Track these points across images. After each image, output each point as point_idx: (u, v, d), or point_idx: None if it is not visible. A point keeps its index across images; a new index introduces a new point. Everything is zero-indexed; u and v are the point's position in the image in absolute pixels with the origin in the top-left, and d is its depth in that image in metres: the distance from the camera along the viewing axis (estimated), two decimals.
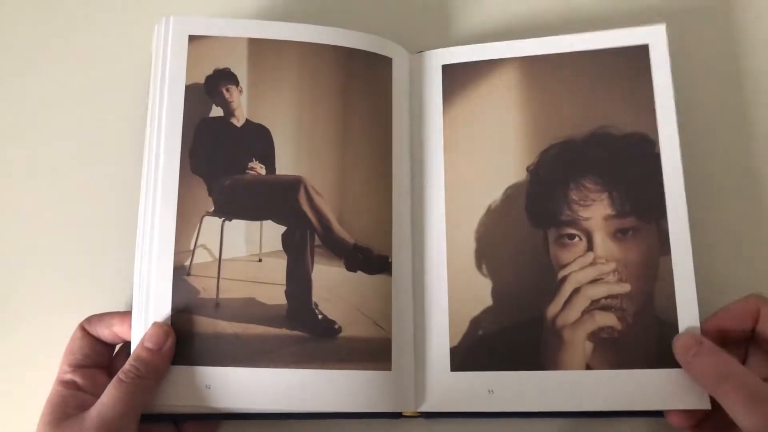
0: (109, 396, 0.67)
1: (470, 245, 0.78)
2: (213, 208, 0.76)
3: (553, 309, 0.75)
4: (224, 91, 0.78)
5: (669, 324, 0.72)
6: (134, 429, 0.67)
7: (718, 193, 0.83)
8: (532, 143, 0.79)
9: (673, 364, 0.71)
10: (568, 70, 0.80)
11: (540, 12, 0.91)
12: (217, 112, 0.78)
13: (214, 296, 0.74)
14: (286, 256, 0.76)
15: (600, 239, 0.75)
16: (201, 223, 0.75)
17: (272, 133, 0.78)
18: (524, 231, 0.77)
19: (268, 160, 0.78)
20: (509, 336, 0.75)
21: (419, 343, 0.76)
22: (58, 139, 0.89)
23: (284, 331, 0.73)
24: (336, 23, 0.82)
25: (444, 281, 0.77)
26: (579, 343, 0.73)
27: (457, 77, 0.82)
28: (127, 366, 0.69)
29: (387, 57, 0.81)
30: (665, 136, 0.76)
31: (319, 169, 0.78)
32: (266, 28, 0.80)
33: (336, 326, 0.74)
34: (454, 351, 0.76)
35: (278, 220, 0.76)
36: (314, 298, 0.75)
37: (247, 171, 0.77)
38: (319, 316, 0.74)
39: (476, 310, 0.76)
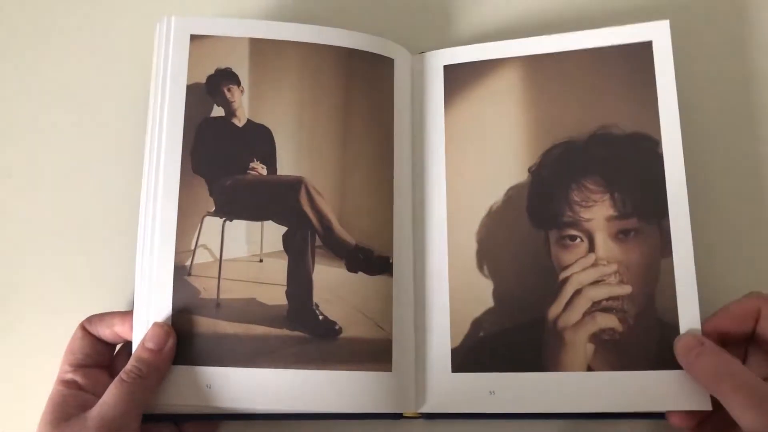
0: (111, 396, 0.67)
1: (471, 246, 0.78)
2: (214, 208, 0.76)
3: (554, 310, 0.75)
4: (226, 91, 0.78)
5: (670, 325, 0.72)
6: (136, 429, 0.67)
7: (720, 194, 0.83)
8: (533, 144, 0.79)
9: (674, 365, 0.71)
10: (570, 68, 0.80)
11: (541, 10, 0.91)
12: (218, 111, 0.78)
13: (215, 296, 0.74)
14: (287, 257, 0.76)
15: (601, 240, 0.75)
16: (202, 223, 0.75)
17: (273, 134, 0.78)
18: (526, 232, 0.77)
19: (270, 161, 0.78)
20: (510, 337, 0.75)
21: (420, 344, 0.76)
22: (58, 139, 0.89)
23: (285, 332, 0.73)
24: (338, 24, 0.82)
25: (445, 282, 0.77)
26: (580, 345, 0.73)
27: (458, 77, 0.82)
28: (128, 366, 0.69)
29: (388, 58, 0.81)
30: (668, 136, 0.76)
31: (321, 169, 0.78)
32: (268, 29, 0.80)
33: (337, 327, 0.74)
34: (455, 352, 0.75)
35: (279, 221, 0.76)
36: (315, 299, 0.75)
37: (249, 171, 0.77)
38: (320, 317, 0.74)
39: (477, 311, 0.76)
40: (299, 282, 0.75)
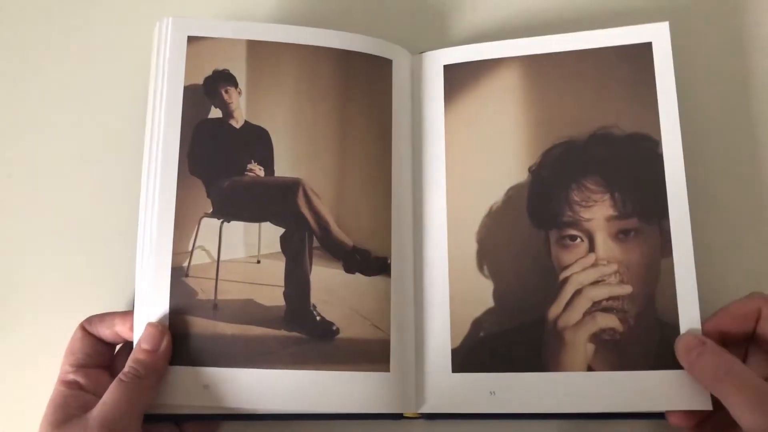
0: (111, 396, 0.67)
1: (471, 246, 0.78)
2: (211, 210, 0.76)
3: (554, 310, 0.74)
4: (223, 92, 0.78)
5: (670, 325, 0.72)
6: (137, 429, 0.67)
7: (720, 194, 0.83)
8: (533, 143, 0.79)
9: (675, 365, 0.71)
10: (570, 68, 0.80)
11: (542, 10, 0.91)
12: (215, 113, 0.78)
13: (213, 297, 0.74)
14: (284, 258, 0.76)
15: (602, 240, 0.75)
16: (199, 224, 0.75)
17: (271, 135, 0.78)
18: (526, 232, 0.77)
19: (267, 162, 0.78)
20: (510, 337, 0.75)
21: (420, 344, 0.76)
22: (58, 139, 0.89)
23: (282, 333, 0.73)
24: (339, 25, 0.82)
25: (445, 282, 0.77)
26: (580, 345, 0.73)
27: (458, 77, 0.82)
28: (126, 367, 0.69)
29: (386, 59, 0.81)
30: (668, 136, 0.76)
31: (318, 171, 0.78)
32: (265, 30, 0.80)
33: (334, 328, 0.74)
34: (455, 352, 0.75)
35: (277, 222, 0.76)
36: (312, 300, 0.75)
37: (246, 173, 0.77)
38: (318, 318, 0.74)
39: (477, 311, 0.76)
40: (297, 283, 0.75)
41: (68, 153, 0.88)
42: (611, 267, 0.74)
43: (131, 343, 0.72)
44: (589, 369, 0.73)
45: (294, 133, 0.79)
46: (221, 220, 0.76)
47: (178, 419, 0.75)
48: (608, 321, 0.73)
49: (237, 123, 0.78)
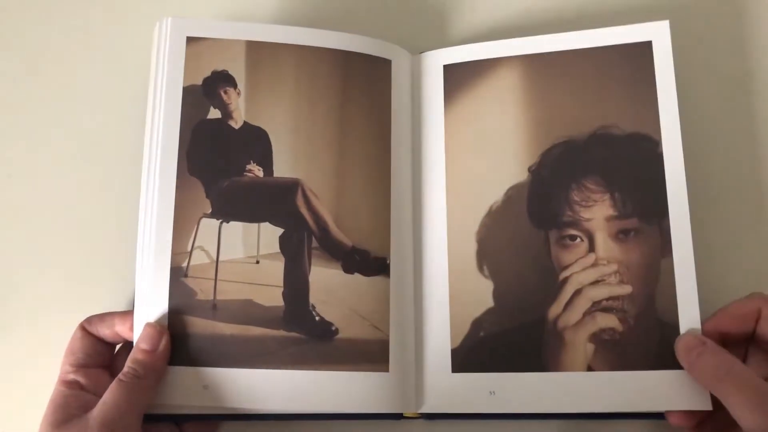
0: (111, 396, 0.67)
1: (471, 246, 0.78)
2: (210, 210, 0.76)
3: (554, 310, 0.74)
4: (222, 93, 0.78)
5: (670, 325, 0.72)
6: (137, 429, 0.68)
7: (720, 194, 0.82)
8: (533, 143, 0.78)
9: (675, 365, 0.71)
10: (570, 68, 0.80)
11: (541, 9, 0.91)
12: (214, 114, 0.78)
13: (212, 298, 0.74)
14: (283, 258, 0.76)
15: (602, 240, 0.75)
16: (198, 224, 0.75)
17: (270, 136, 0.78)
18: (526, 232, 0.77)
19: (266, 162, 0.78)
20: (510, 337, 0.75)
21: (420, 344, 0.76)
22: (58, 139, 0.89)
23: (282, 333, 0.73)
24: (339, 25, 0.82)
25: (445, 282, 0.77)
26: (580, 345, 0.73)
27: (458, 77, 0.82)
28: (125, 368, 0.69)
29: (386, 59, 0.81)
30: (668, 136, 0.76)
31: (317, 171, 0.78)
32: (264, 31, 0.80)
33: (333, 328, 0.74)
34: (455, 352, 0.75)
35: (276, 222, 0.76)
36: (311, 300, 0.75)
37: (245, 173, 0.77)
38: (317, 318, 0.74)
39: (477, 311, 0.76)
40: (296, 283, 0.75)
41: (68, 153, 0.88)
42: (611, 267, 0.74)
43: (131, 342, 0.72)
44: (589, 369, 0.73)
45: (293, 134, 0.79)
46: (220, 220, 0.76)
47: (178, 419, 0.75)
48: (608, 321, 0.73)
49: (236, 123, 0.78)
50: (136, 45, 0.90)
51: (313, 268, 0.76)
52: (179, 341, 0.72)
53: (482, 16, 0.91)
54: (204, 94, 0.78)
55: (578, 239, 0.75)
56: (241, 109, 0.79)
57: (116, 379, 0.68)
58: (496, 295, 0.76)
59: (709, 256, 0.79)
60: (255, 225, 0.76)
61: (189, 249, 0.74)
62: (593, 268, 0.75)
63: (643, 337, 0.73)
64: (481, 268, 0.77)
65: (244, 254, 0.76)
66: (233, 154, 0.78)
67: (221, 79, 0.78)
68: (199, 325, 0.73)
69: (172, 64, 0.78)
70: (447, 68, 0.82)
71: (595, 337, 0.73)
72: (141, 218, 0.75)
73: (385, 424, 0.78)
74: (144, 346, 0.70)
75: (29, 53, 0.92)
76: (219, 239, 0.75)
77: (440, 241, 0.78)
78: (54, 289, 0.84)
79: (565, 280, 0.75)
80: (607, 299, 0.74)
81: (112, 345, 0.76)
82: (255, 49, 0.79)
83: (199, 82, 0.78)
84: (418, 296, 0.78)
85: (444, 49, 0.83)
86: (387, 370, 0.74)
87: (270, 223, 0.76)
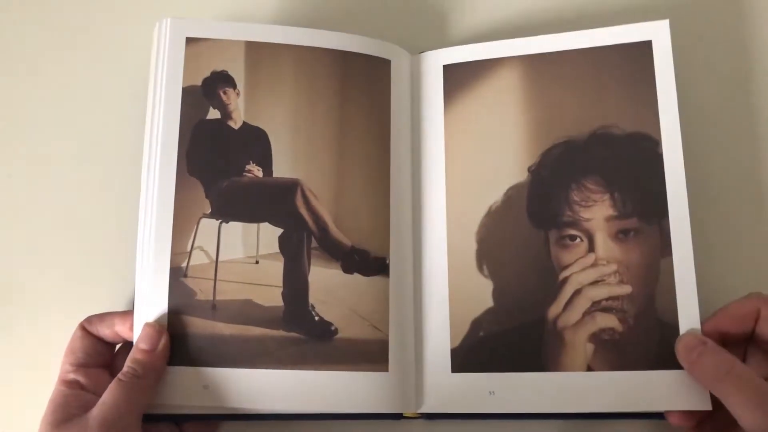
0: (110, 396, 0.67)
1: (471, 246, 0.78)
2: (210, 210, 0.76)
3: (554, 310, 0.74)
4: (221, 93, 0.78)
5: (670, 325, 0.72)
6: (137, 429, 0.68)
7: (720, 194, 0.82)
8: (533, 143, 0.78)
9: (674, 365, 0.71)
10: (570, 67, 0.80)
11: (541, 9, 0.90)
12: (214, 114, 0.78)
13: (211, 298, 0.74)
14: (282, 258, 0.76)
15: (601, 240, 0.75)
16: (198, 224, 0.75)
17: (269, 136, 0.78)
18: (525, 232, 0.77)
19: (265, 163, 0.78)
20: (510, 337, 0.75)
21: (419, 344, 0.76)
22: (58, 139, 0.89)
23: (281, 333, 0.73)
24: (337, 26, 0.82)
25: (445, 282, 0.77)
26: (580, 345, 0.73)
27: (458, 77, 0.82)
28: (125, 367, 0.69)
29: (385, 59, 0.81)
30: (668, 135, 0.76)
31: (316, 171, 0.78)
32: (264, 32, 0.80)
33: (332, 328, 0.74)
34: (454, 352, 0.75)
35: (275, 223, 0.76)
36: (311, 300, 0.75)
37: (244, 173, 0.77)
38: (316, 318, 0.74)
39: (477, 311, 0.76)
40: (295, 283, 0.75)
41: (68, 153, 0.88)
42: (611, 267, 0.74)
43: (131, 342, 0.72)
44: (589, 369, 0.73)
45: (292, 134, 0.79)
46: (220, 220, 0.76)
47: (178, 419, 0.75)
48: (608, 321, 0.73)
49: (235, 124, 0.78)
50: (135, 45, 0.90)
51: (312, 268, 0.76)
52: (179, 341, 0.72)
53: (482, 16, 0.91)
54: (203, 94, 0.78)
55: (578, 239, 0.75)
56: (240, 110, 0.79)
57: (115, 378, 0.68)
58: (496, 294, 0.76)
59: (709, 256, 0.79)
60: (254, 225, 0.76)
61: (188, 249, 0.74)
62: (593, 268, 0.74)
63: (643, 337, 0.73)
64: (480, 268, 0.77)
65: (244, 254, 0.76)
66: (233, 154, 0.78)
67: (221, 80, 0.78)
68: (199, 325, 0.73)
69: (172, 64, 0.78)
70: (447, 68, 0.82)
71: (595, 337, 0.73)
72: (141, 218, 0.75)
73: (384, 424, 0.78)
74: (143, 345, 0.70)
75: (29, 53, 0.92)
76: (218, 239, 0.75)
77: (440, 241, 0.78)
78: (54, 289, 0.84)
79: (565, 280, 0.75)
80: (607, 299, 0.74)
81: (112, 345, 0.76)
82: (254, 50, 0.79)
83: (199, 82, 0.78)
84: (418, 296, 0.78)
85: (444, 49, 0.83)
86: (386, 370, 0.74)
87: (269, 223, 0.76)
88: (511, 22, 0.90)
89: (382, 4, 0.93)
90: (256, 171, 0.77)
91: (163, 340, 0.71)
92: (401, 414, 0.75)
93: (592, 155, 0.77)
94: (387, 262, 0.76)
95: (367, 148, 0.79)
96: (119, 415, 0.66)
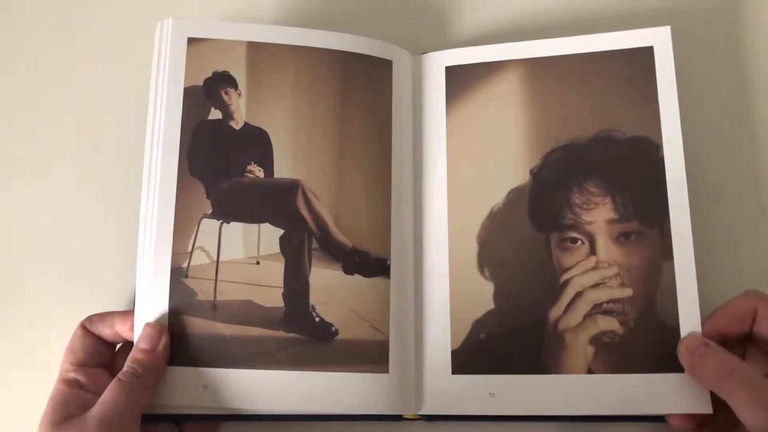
0: (110, 396, 0.67)
1: (472, 248, 0.78)
2: (211, 211, 0.76)
3: (555, 313, 0.74)
4: (223, 94, 0.78)
5: (671, 328, 0.72)
6: (136, 428, 0.68)
7: (721, 197, 0.82)
8: (535, 146, 0.78)
9: (675, 368, 0.71)
10: (572, 71, 0.80)
11: (544, 13, 0.90)
12: (215, 114, 0.78)
13: (212, 298, 0.74)
14: (283, 259, 0.76)
15: (603, 243, 0.75)
16: (199, 225, 0.75)
17: (271, 136, 0.78)
18: (527, 234, 0.77)
19: (267, 163, 0.78)
20: (511, 339, 0.75)
21: (420, 345, 0.76)
22: (59, 140, 0.89)
23: (281, 334, 0.73)
24: (339, 26, 0.82)
25: (446, 284, 0.77)
26: (581, 347, 0.73)
27: (460, 79, 0.82)
28: (125, 367, 0.69)
29: (386, 60, 0.81)
30: (669, 139, 0.76)
31: (318, 172, 0.78)
32: (265, 32, 0.80)
33: (333, 329, 0.74)
34: (455, 354, 0.75)
35: (276, 223, 0.76)
36: (311, 301, 0.75)
37: (246, 174, 0.77)
38: (316, 319, 0.74)
39: (478, 313, 0.76)
40: (296, 284, 0.75)
41: (68, 153, 0.88)
42: (612, 270, 0.74)
43: (131, 342, 0.72)
44: (590, 371, 0.73)
45: (293, 135, 0.79)
46: (221, 220, 0.76)
47: (178, 419, 0.75)
48: (609, 324, 0.73)
49: (237, 124, 0.78)
50: (137, 46, 0.90)
51: (313, 268, 0.76)
52: (179, 341, 0.72)
53: (483, 18, 0.91)
54: (205, 94, 0.78)
55: (579, 242, 0.75)
56: (241, 110, 0.79)
57: (115, 378, 0.68)
58: (497, 296, 0.76)
59: (710, 258, 0.79)
60: (255, 226, 0.76)
61: (189, 249, 0.74)
62: (594, 271, 0.74)
63: (644, 340, 0.73)
64: (481, 270, 0.77)
65: (245, 255, 0.76)
66: (234, 154, 0.78)
67: (222, 80, 0.78)
68: (199, 326, 0.73)
69: (173, 64, 0.78)
70: (449, 70, 0.82)
71: (596, 340, 0.73)
72: (141, 218, 0.75)
73: (384, 426, 0.78)
74: (143, 345, 0.70)
75: (29, 53, 0.92)
76: (219, 240, 0.75)
77: (441, 243, 0.78)
78: (54, 289, 0.84)
79: (566, 282, 0.75)
80: (608, 302, 0.74)
81: (113, 344, 0.76)
82: (256, 50, 0.79)
83: (200, 82, 0.78)
84: (419, 297, 0.78)
85: (446, 51, 0.83)
86: (387, 372, 0.74)
87: (270, 223, 0.76)
88: (513, 24, 0.90)
89: (383, 4, 0.93)
90: (257, 171, 0.77)
91: (164, 340, 0.71)
92: (401, 415, 0.75)
93: (594, 158, 0.77)
94: (388, 263, 0.76)
95: (368, 149, 0.79)
96: (119, 414, 0.66)
